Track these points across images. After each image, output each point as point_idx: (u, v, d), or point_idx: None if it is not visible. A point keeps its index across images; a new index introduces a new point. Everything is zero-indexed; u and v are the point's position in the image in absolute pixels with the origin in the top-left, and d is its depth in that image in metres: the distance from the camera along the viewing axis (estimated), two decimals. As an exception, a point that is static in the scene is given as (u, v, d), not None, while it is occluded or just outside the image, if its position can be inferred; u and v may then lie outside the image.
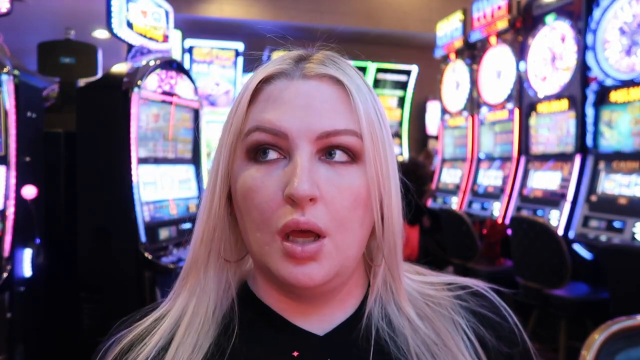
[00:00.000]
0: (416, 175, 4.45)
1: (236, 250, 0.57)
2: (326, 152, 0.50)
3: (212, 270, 0.54)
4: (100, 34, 7.05)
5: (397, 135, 8.79)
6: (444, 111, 5.85)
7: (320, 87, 0.51)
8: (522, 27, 4.41)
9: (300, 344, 0.53)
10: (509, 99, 4.58)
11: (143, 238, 2.54)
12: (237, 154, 0.52)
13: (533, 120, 4.22)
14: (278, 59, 0.53)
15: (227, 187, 0.53)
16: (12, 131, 2.20)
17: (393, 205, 0.52)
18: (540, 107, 4.13)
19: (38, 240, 2.40)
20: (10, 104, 2.19)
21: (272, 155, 0.50)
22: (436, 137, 7.12)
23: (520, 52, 4.39)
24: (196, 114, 3.19)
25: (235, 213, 0.54)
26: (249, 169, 0.50)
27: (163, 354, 0.52)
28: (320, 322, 0.54)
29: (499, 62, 4.76)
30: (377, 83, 8.68)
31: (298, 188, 0.46)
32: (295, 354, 0.52)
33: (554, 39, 3.97)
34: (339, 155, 0.50)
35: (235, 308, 0.55)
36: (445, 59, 5.83)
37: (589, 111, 3.54)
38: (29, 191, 2.29)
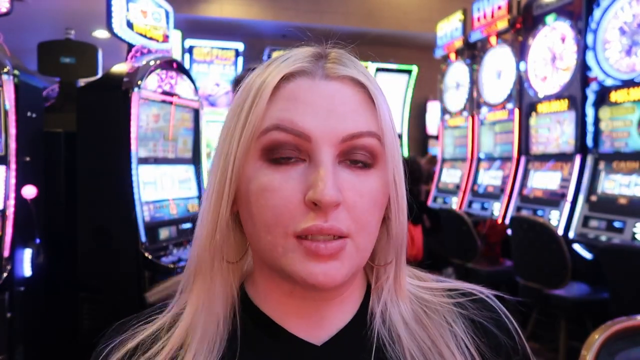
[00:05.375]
0: (409, 171, 4.44)
1: (237, 251, 0.55)
2: (347, 155, 0.49)
3: (218, 273, 0.53)
4: (100, 34, 7.05)
5: (397, 135, 8.79)
6: (444, 111, 5.85)
7: (342, 88, 0.50)
8: (522, 27, 4.41)
9: (298, 355, 0.52)
10: (509, 99, 4.58)
11: (143, 238, 2.54)
12: (251, 153, 0.50)
13: (533, 120, 4.22)
14: (296, 55, 0.52)
15: (235, 187, 0.51)
16: (12, 131, 2.20)
17: (404, 206, 0.53)
18: (540, 107, 4.13)
19: (38, 240, 2.39)
20: (10, 104, 2.19)
21: (291, 156, 0.48)
22: (436, 137, 7.11)
23: (520, 52, 4.39)
24: (196, 114, 3.19)
25: (240, 213, 0.52)
26: (264, 168, 0.49)
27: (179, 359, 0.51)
28: (319, 328, 0.53)
29: (499, 62, 4.76)
30: (377, 83, 8.66)
31: (325, 194, 0.45)
32: None
33: (554, 39, 3.97)
34: (359, 158, 0.49)
35: (238, 315, 0.54)
36: (445, 59, 5.83)
37: (589, 111, 3.54)
38: (29, 191, 2.29)
